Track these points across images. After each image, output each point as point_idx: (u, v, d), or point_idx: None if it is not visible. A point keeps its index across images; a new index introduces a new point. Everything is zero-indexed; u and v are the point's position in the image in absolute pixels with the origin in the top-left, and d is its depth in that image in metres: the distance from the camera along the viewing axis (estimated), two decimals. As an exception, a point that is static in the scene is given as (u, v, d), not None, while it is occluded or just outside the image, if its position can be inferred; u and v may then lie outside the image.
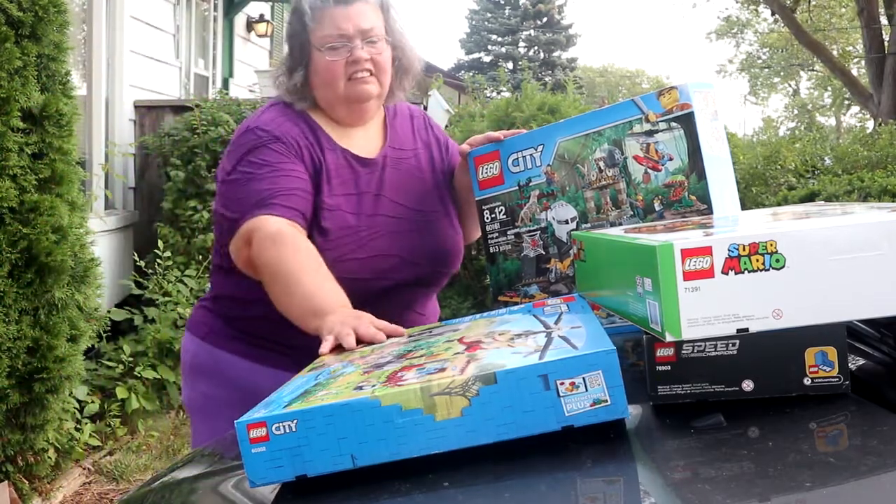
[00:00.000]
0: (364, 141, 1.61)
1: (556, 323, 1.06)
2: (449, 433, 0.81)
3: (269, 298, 1.42)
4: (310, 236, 1.46)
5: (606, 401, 0.80)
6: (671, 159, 1.33)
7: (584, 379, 0.80)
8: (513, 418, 0.81)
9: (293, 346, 1.46)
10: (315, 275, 1.36)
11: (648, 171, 1.35)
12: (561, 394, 0.80)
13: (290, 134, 1.51)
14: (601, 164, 1.40)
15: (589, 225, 1.42)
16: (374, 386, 0.87)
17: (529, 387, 0.81)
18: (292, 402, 0.88)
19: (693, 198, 1.31)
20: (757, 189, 5.49)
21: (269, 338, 1.56)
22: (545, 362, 0.82)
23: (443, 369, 0.88)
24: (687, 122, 1.30)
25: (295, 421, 0.83)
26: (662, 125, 1.33)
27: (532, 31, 28.54)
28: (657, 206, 1.35)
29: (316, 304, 1.31)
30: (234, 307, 1.62)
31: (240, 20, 8.56)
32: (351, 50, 1.49)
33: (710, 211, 1.30)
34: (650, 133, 1.34)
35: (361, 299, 1.36)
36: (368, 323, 1.22)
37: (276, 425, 0.83)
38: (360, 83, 1.51)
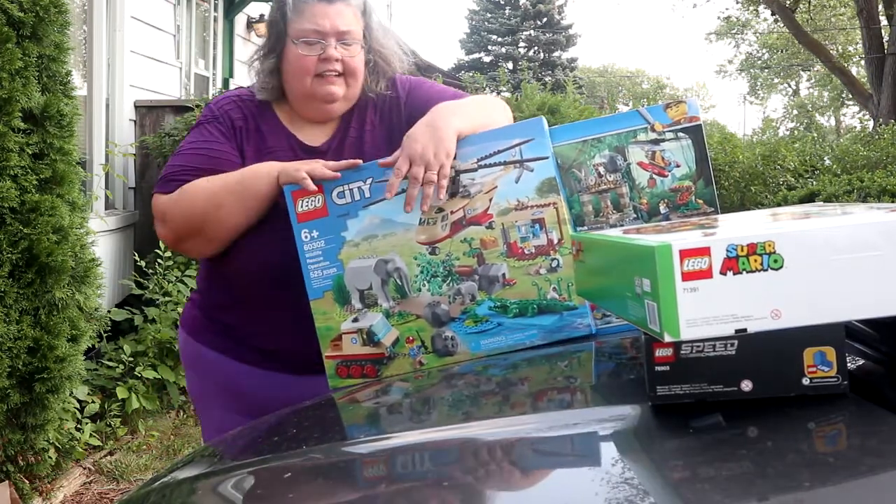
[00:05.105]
0: (319, 130, 1.60)
1: None
2: None
3: (237, 291, 1.53)
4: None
5: None
6: (678, 166, 1.42)
7: None
8: None
9: (253, 340, 1.55)
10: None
11: (654, 176, 1.42)
12: None
13: (230, 116, 1.57)
14: (601, 169, 1.43)
15: (586, 227, 1.44)
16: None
17: None
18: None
19: (700, 201, 1.41)
20: (756, 189, 5.48)
21: (236, 327, 1.58)
22: None
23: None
24: (696, 133, 1.42)
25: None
26: (669, 135, 1.42)
27: (532, 32, 28.55)
28: (663, 209, 1.42)
29: (256, 172, 1.44)
30: (206, 295, 1.65)
31: (240, 20, 8.57)
32: (324, 48, 1.51)
33: (716, 213, 1.38)
34: (656, 142, 1.42)
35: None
36: (320, 164, 1.37)
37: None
38: (327, 83, 1.52)
